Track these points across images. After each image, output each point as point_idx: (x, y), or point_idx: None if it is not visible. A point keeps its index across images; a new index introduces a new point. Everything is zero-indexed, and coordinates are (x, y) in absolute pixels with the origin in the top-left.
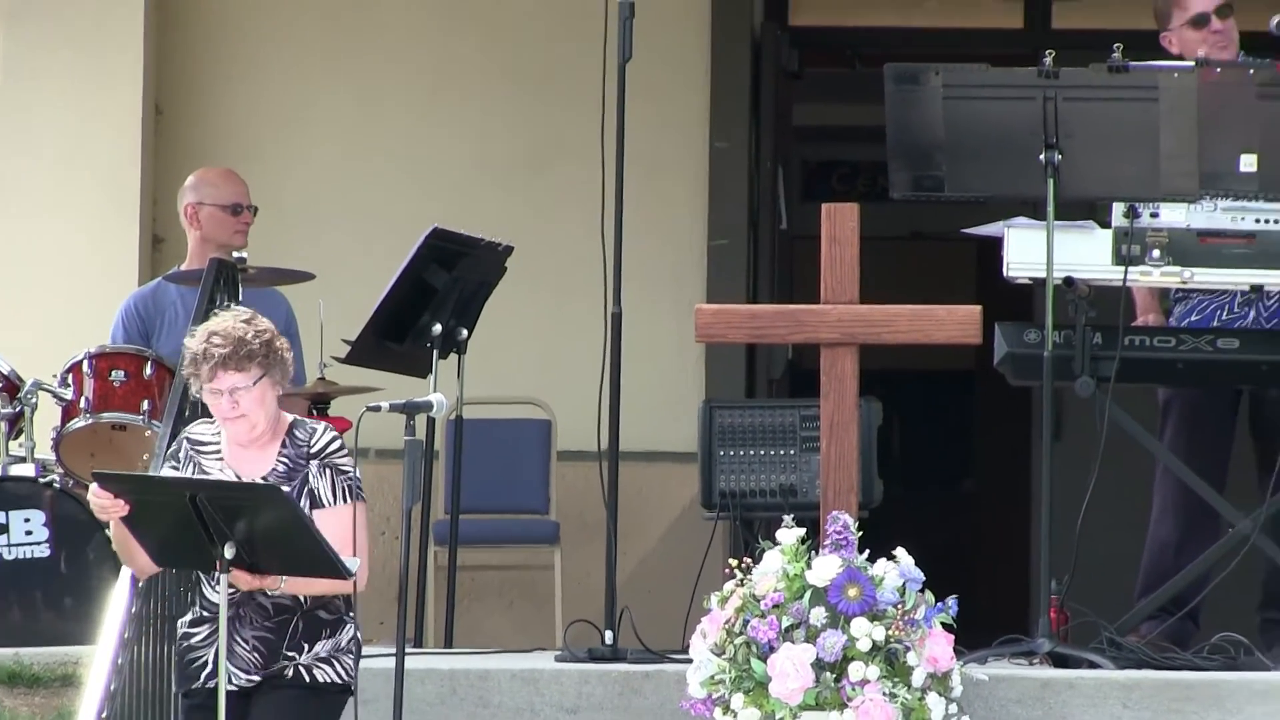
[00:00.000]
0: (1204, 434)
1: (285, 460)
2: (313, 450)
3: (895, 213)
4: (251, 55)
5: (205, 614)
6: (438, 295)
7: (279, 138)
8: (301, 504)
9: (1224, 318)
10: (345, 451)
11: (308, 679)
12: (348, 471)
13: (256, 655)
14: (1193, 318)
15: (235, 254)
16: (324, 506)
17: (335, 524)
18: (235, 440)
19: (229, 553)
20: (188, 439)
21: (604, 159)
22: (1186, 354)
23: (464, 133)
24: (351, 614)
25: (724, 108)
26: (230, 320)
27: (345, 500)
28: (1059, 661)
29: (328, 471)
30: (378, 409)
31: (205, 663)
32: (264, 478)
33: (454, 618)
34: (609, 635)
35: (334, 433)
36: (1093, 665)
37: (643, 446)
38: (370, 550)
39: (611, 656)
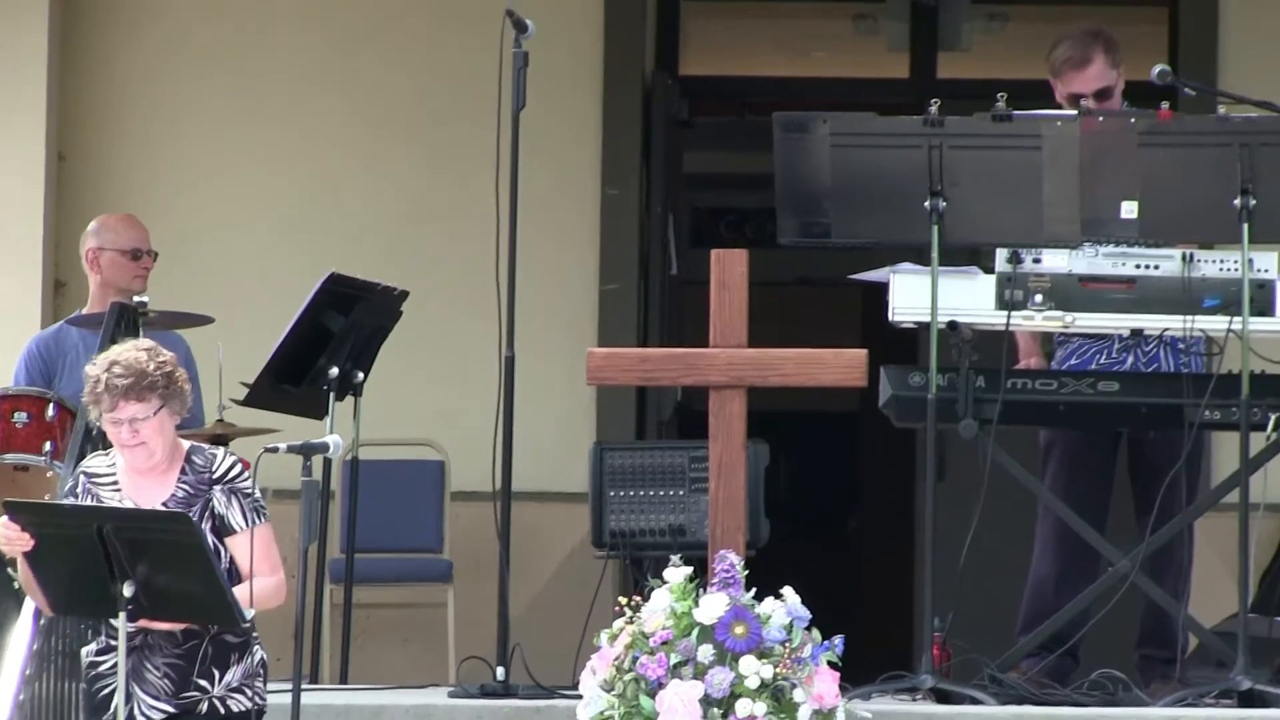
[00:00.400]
0: (1084, 475)
1: (185, 486)
2: (215, 476)
3: (783, 258)
4: (154, 104)
5: (112, 642)
6: (334, 339)
7: (180, 184)
8: (204, 529)
9: (1103, 361)
10: (246, 475)
11: (223, 710)
12: (252, 494)
13: (167, 681)
14: (1073, 361)
15: (136, 298)
16: (234, 532)
17: (248, 546)
18: (133, 468)
19: (128, 590)
20: (83, 473)
21: (498, 205)
22: (1068, 397)
23: (361, 180)
24: (256, 635)
25: (615, 155)
26: (131, 350)
27: (255, 522)
28: (942, 697)
29: (234, 497)
30: (275, 450)
31: (115, 690)
32: (164, 504)
33: (349, 654)
34: (501, 671)
35: (234, 457)
36: (975, 701)
37: (534, 487)
38: (297, 570)
39: (504, 692)
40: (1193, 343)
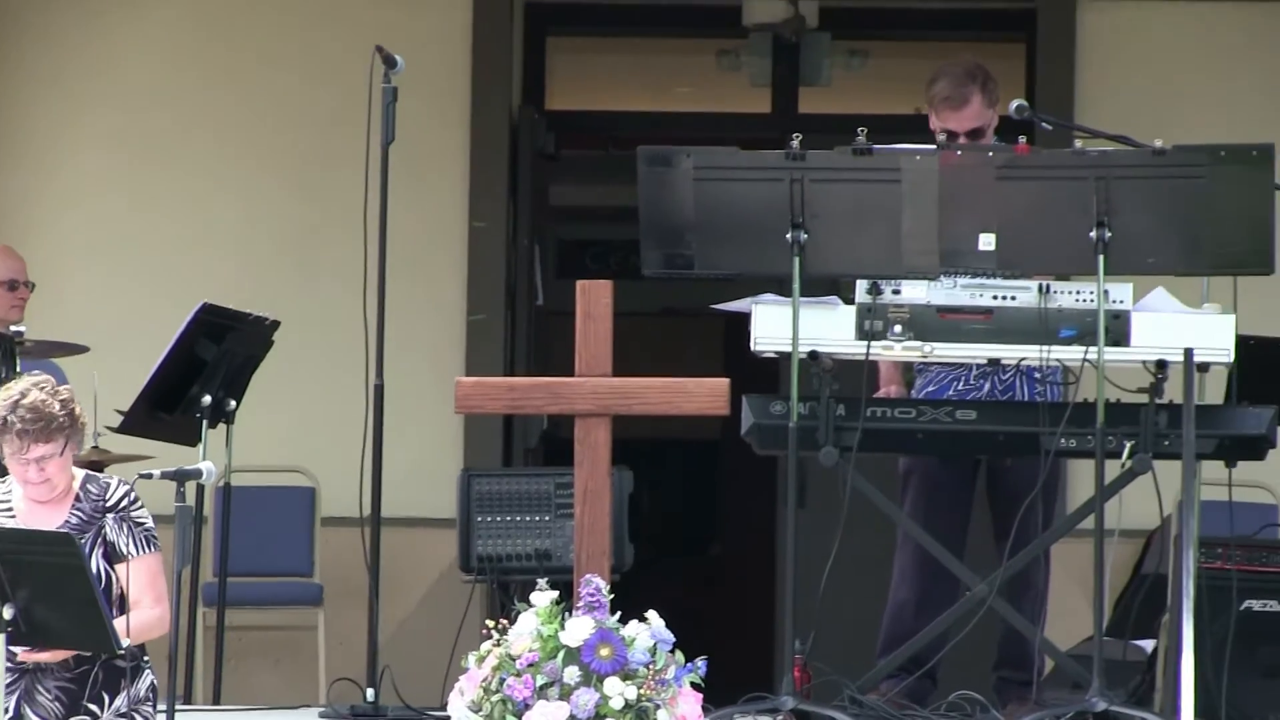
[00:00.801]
0: (942, 501)
1: (79, 514)
2: (109, 504)
3: (647, 290)
4: (29, 136)
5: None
6: (207, 367)
7: (56, 216)
8: (96, 557)
9: (960, 389)
10: (140, 504)
11: None
12: (144, 523)
13: (58, 705)
14: (930, 389)
15: (12, 328)
16: (124, 559)
17: (139, 571)
18: (33, 498)
19: (8, 613)
20: None
21: (367, 237)
22: (926, 425)
23: (234, 213)
24: (146, 659)
25: (482, 189)
26: (34, 392)
27: (147, 550)
28: (802, 718)
29: (125, 524)
30: (149, 476)
31: (6, 709)
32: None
33: (222, 676)
34: (371, 693)
35: (128, 486)
36: None
37: (404, 512)
38: (170, 594)
39: (373, 713)
40: (1049, 371)
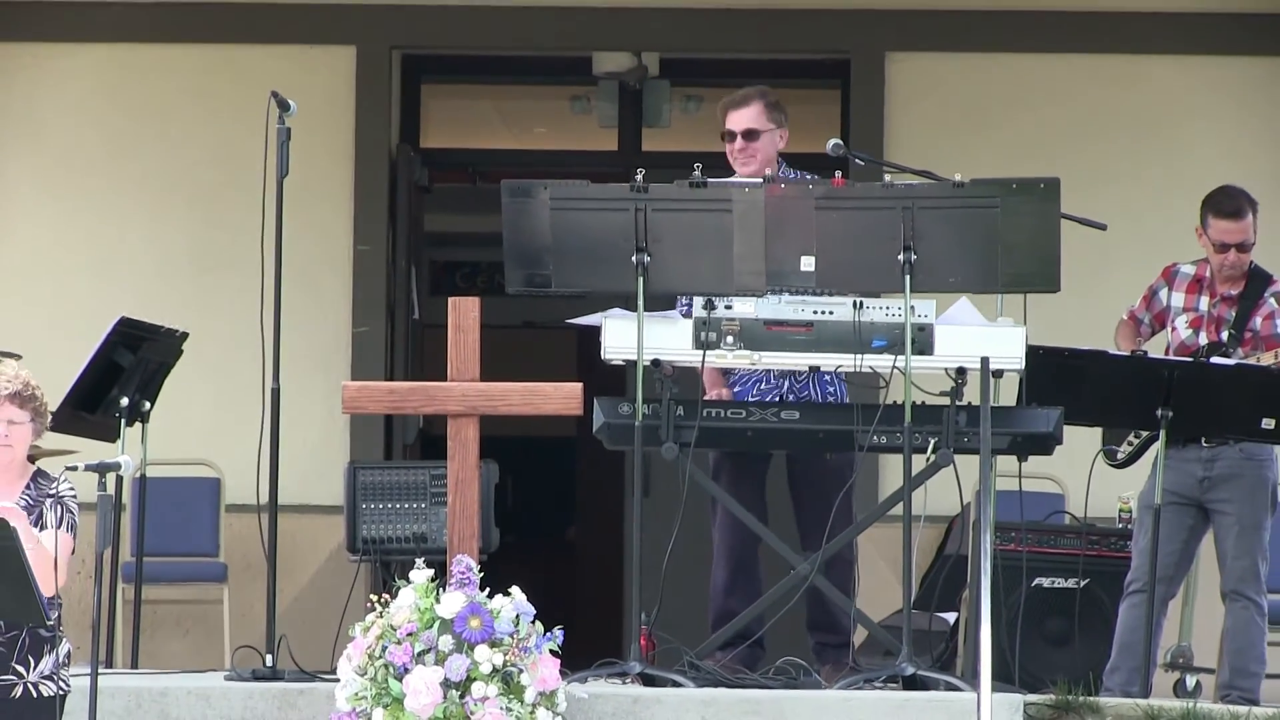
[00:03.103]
0: (747, 491)
1: (27, 498)
2: (52, 494)
3: (510, 305)
4: None
5: None
6: (125, 373)
7: None
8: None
9: (762, 388)
10: (75, 499)
11: (35, 695)
12: (73, 513)
13: None
14: (737, 388)
15: None
16: (45, 528)
17: (49, 540)
18: None
19: None
20: None
21: (263, 259)
22: (755, 424)
23: (149, 238)
24: (61, 630)
25: (365, 217)
26: (25, 373)
27: (64, 530)
28: (648, 681)
29: (58, 506)
30: (75, 469)
31: None
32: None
33: (139, 644)
34: (269, 659)
35: (70, 485)
36: (676, 685)
37: (297, 500)
38: (68, 565)
39: (272, 676)
40: (835, 376)
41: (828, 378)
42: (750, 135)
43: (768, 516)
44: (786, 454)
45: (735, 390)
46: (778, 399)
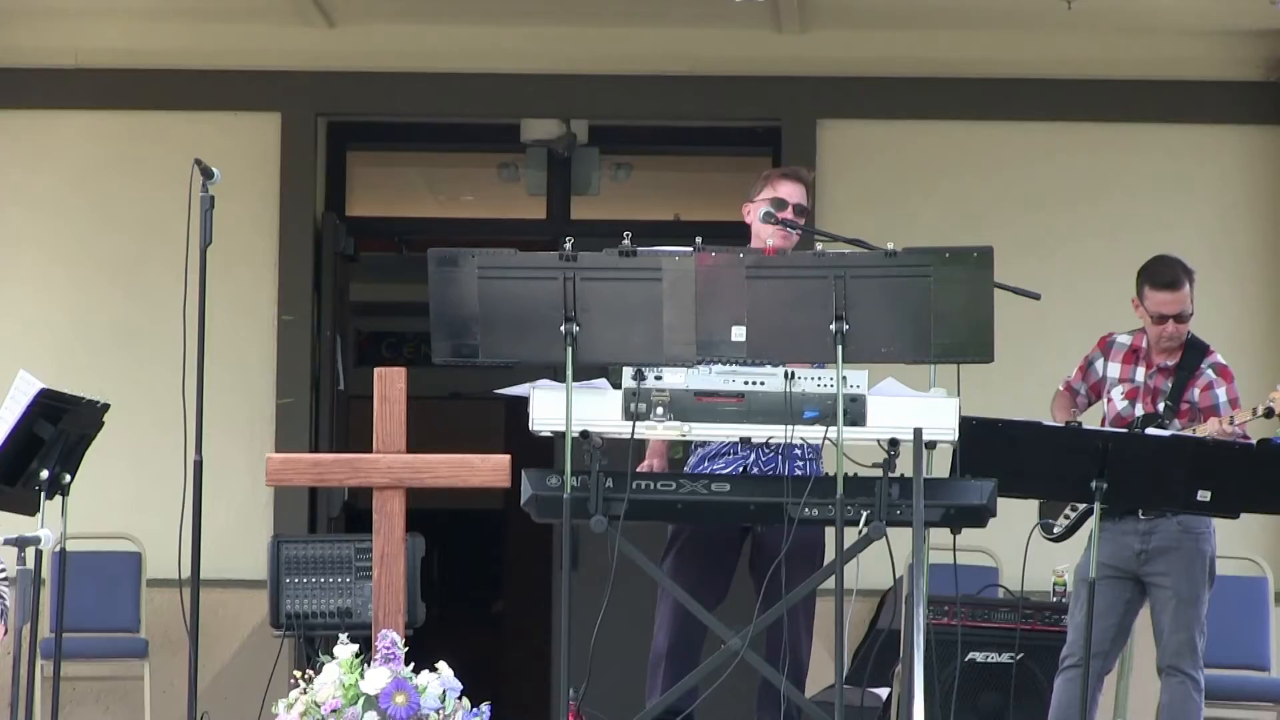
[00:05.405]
0: (704, 563)
1: None
2: None
3: (437, 376)
4: None
5: None
6: (45, 445)
7: None
8: None
9: (729, 459)
10: (8, 581)
11: None
12: (3, 597)
13: None
14: (702, 465)
15: None
16: None
17: None
18: None
19: None
20: None
21: (186, 329)
22: (685, 496)
23: (71, 309)
24: None
25: (290, 286)
26: None
27: None
28: None
29: None
30: None
31: None
32: None
33: None
34: None
35: (3, 564)
36: None
37: (220, 574)
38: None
39: None
40: (808, 450)
41: (798, 452)
42: (800, 211)
43: (726, 591)
44: (753, 530)
45: (701, 466)
46: (740, 471)
